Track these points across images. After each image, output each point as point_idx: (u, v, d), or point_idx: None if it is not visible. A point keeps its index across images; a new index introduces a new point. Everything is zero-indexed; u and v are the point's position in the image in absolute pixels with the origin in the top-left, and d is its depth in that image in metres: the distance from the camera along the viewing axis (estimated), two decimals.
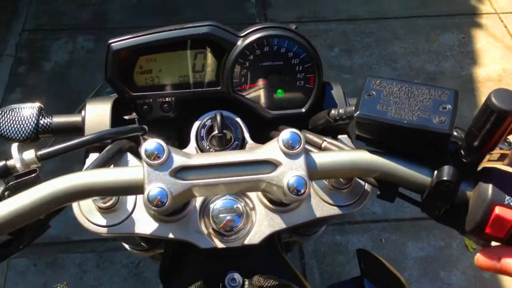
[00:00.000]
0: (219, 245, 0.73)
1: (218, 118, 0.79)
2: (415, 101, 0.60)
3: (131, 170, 0.61)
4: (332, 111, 0.74)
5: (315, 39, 2.94)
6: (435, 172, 0.59)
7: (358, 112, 0.60)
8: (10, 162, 0.67)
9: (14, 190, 0.62)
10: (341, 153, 0.64)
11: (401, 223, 2.30)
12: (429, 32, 3.06)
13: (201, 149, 0.81)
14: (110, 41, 0.78)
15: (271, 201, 0.74)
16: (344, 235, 2.25)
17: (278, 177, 0.60)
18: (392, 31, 3.06)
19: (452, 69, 2.88)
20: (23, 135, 0.79)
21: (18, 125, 0.79)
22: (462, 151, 0.58)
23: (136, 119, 0.86)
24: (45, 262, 2.13)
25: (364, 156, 0.63)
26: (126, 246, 1.07)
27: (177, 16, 3.07)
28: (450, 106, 0.59)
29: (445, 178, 0.57)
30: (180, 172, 0.59)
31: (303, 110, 0.85)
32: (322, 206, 0.75)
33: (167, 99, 0.83)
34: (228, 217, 0.72)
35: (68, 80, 2.75)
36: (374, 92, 0.62)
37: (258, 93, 0.84)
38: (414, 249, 2.23)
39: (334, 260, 2.18)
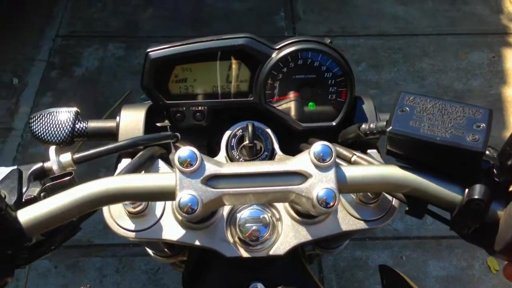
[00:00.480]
0: (244, 254, 0.74)
1: (250, 128, 0.80)
2: (448, 119, 0.60)
3: (164, 176, 0.62)
4: (363, 126, 0.74)
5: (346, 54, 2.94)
6: (466, 190, 0.59)
7: (390, 128, 0.60)
8: (47, 164, 0.69)
9: (50, 192, 0.64)
10: (371, 168, 0.65)
11: (423, 241, 2.27)
12: (458, 50, 3.03)
13: (231, 159, 0.82)
14: (148, 50, 0.80)
15: (298, 212, 0.74)
16: (364, 251, 2.23)
17: (308, 189, 0.60)
18: (421, 47, 3.04)
19: (480, 87, 2.85)
20: (59, 138, 0.81)
21: (55, 129, 0.81)
22: (494, 170, 0.58)
23: (168, 127, 0.88)
24: (66, 265, 2.16)
25: (394, 171, 0.63)
26: (150, 251, 1.08)
27: (206, 28, 3.11)
28: (484, 125, 0.59)
29: (476, 197, 0.57)
30: (211, 180, 0.60)
31: (334, 123, 0.85)
32: (348, 220, 0.75)
33: (200, 108, 0.85)
34: (254, 227, 0.72)
35: (98, 86, 2.80)
36: (407, 108, 0.62)
37: (289, 105, 0.85)
38: (436, 268, 2.19)
39: (353, 276, 2.16)
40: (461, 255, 2.21)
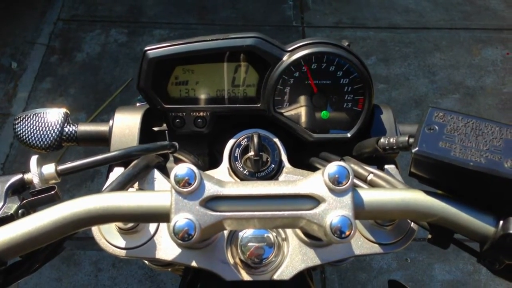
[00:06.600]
0: (246, 277, 0.67)
1: (255, 139, 0.72)
2: (483, 140, 0.53)
3: (158, 196, 0.55)
4: (382, 140, 0.67)
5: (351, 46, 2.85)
6: (501, 222, 0.53)
7: (417, 148, 0.54)
8: (27, 176, 0.62)
9: (29, 208, 0.57)
10: (393, 192, 0.57)
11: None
12: (472, 45, 2.94)
13: (234, 170, 0.74)
14: (146, 48, 0.72)
15: (306, 233, 0.68)
16: None
17: (320, 215, 0.53)
18: (433, 42, 2.95)
19: (493, 85, 2.77)
20: (46, 142, 0.74)
21: (42, 132, 0.74)
22: None
23: (166, 132, 0.80)
24: (60, 257, 2.08)
25: (420, 198, 0.56)
26: (145, 261, 1.01)
27: (211, 15, 3.02)
28: None
29: None
30: (211, 202, 0.54)
31: (349, 135, 0.78)
32: (362, 243, 0.69)
33: (201, 113, 0.77)
34: (257, 245, 0.66)
35: (99, 72, 2.73)
36: (436, 126, 0.55)
37: (299, 112, 0.77)
38: (441, 271, 2.13)
39: (356, 278, 2.10)
40: (467, 259, 2.15)
